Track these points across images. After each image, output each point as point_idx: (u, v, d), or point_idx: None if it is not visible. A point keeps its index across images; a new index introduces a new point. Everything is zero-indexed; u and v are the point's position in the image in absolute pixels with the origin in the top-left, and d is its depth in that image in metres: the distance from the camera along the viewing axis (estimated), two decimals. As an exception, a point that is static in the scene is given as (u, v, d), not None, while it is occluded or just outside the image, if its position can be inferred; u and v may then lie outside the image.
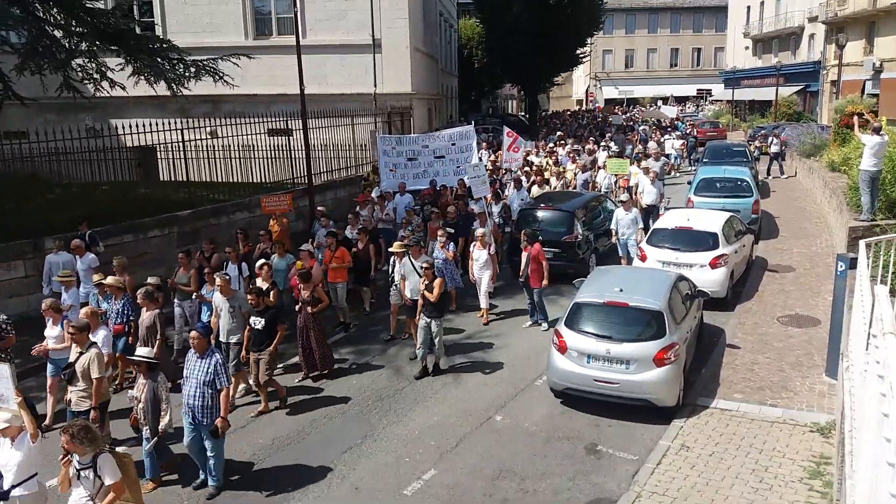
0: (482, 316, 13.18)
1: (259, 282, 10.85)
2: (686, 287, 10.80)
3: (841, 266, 9.57)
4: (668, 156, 27.97)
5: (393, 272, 12.43)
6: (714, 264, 13.05)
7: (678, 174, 28.29)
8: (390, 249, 12.69)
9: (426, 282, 10.67)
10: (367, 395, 10.26)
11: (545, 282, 12.48)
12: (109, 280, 10.50)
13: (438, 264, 12.07)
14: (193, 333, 7.76)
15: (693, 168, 28.64)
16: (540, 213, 15.71)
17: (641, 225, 15.13)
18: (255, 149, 19.19)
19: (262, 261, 11.66)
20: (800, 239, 18.00)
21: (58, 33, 16.55)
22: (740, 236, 14.46)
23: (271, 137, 19.37)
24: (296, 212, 18.92)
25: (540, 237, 14.83)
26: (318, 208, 16.36)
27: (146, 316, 9.71)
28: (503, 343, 12.05)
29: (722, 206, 16.65)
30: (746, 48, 56.79)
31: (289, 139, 19.52)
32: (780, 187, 25.90)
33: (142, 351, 7.86)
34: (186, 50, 18.31)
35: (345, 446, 8.80)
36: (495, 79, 52.66)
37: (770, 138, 28.57)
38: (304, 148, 18.33)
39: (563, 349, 9.51)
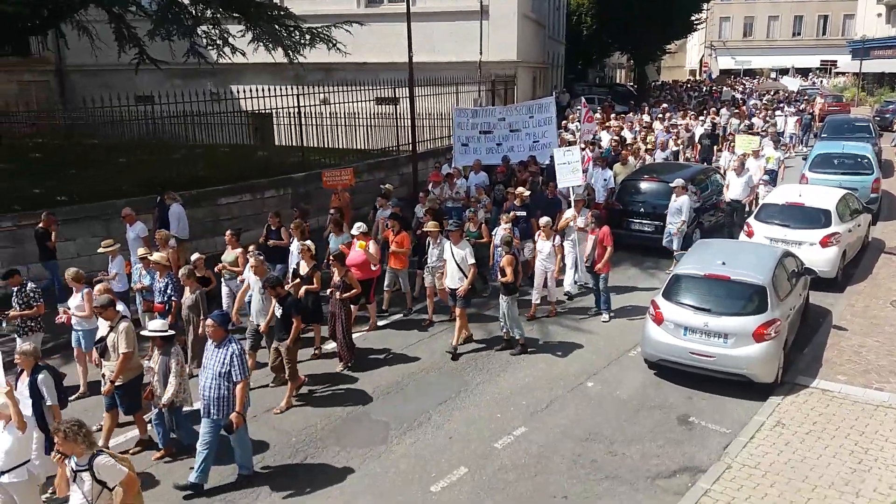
0: (532, 313, 11.81)
1: (303, 265, 10.54)
2: (793, 264, 10.52)
3: (963, 249, 9.09)
4: (780, 134, 26.53)
5: (427, 253, 11.72)
6: (825, 242, 12.57)
7: (793, 153, 26.90)
8: (424, 228, 11.84)
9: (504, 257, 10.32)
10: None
11: (602, 267, 11.43)
12: (155, 256, 10.01)
13: (499, 251, 11.35)
14: (209, 322, 7.30)
15: (807, 147, 27.13)
16: (643, 185, 15.57)
17: (685, 217, 13.45)
18: (364, 116, 19.84)
19: (303, 243, 10.90)
20: (924, 221, 16.94)
21: (185, 0, 17.64)
22: (856, 215, 13.80)
23: (379, 105, 19.93)
24: (400, 179, 19.54)
25: (641, 209, 14.88)
26: (384, 185, 15.74)
27: (188, 296, 9.52)
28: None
29: (839, 183, 15.87)
30: (879, 15, 52.57)
31: (395, 107, 20.00)
32: (907, 166, 24.25)
33: (154, 325, 7.61)
34: (301, 17, 19.07)
35: (441, 398, 9.22)
36: (604, 47, 51.30)
37: None
38: (409, 116, 18.76)
39: (659, 320, 9.53)
